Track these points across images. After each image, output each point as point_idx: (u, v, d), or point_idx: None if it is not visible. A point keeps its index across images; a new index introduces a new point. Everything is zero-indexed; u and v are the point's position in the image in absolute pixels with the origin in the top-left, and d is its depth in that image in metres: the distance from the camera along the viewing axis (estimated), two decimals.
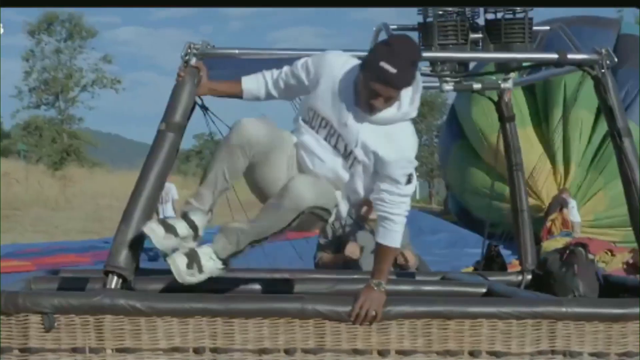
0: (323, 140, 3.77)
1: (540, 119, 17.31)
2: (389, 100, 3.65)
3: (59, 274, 4.86)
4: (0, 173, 30.64)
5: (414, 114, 3.77)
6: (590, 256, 5.21)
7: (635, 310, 3.81)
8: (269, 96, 3.99)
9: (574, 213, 17.01)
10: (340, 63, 3.80)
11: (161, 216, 19.18)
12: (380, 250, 3.76)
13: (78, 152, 47.36)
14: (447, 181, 22.95)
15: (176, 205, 18.77)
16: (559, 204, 17.14)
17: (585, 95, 15.78)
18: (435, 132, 51.17)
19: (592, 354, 3.81)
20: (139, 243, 3.78)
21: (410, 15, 4.78)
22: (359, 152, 3.71)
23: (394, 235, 3.73)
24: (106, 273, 3.72)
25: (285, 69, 3.93)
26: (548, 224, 16.78)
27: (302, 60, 3.88)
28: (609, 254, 15.72)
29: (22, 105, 48.25)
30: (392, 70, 3.54)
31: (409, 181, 3.71)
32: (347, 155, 3.73)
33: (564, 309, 3.79)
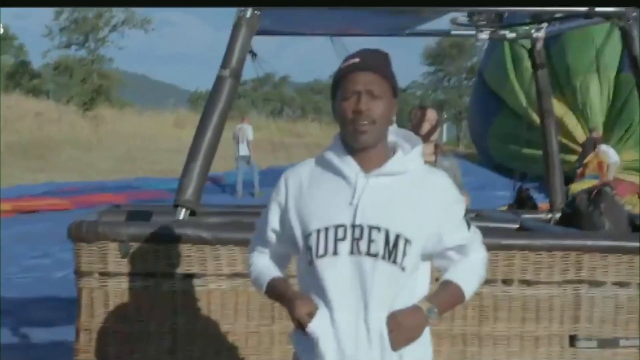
0: (349, 256, 2.75)
1: (562, 87, 17.45)
2: (375, 101, 2.79)
3: (120, 207, 5.27)
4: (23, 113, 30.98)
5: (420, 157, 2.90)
6: (618, 198, 5.56)
7: None
8: (284, 254, 3.05)
9: (610, 154, 17.21)
10: (298, 167, 2.95)
11: (238, 154, 20.40)
12: (452, 287, 2.90)
13: (108, 92, 47.70)
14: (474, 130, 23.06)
15: (251, 145, 19.94)
16: (592, 144, 17.36)
17: (608, 58, 15.85)
18: (465, 74, 51.15)
19: (615, 283, 4.18)
20: (203, 180, 4.16)
21: None
22: (401, 228, 2.75)
23: (467, 275, 2.93)
24: (175, 206, 4.12)
25: (262, 231, 3.01)
26: (581, 168, 17.03)
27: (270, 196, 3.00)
28: (638, 195, 16.01)
29: (52, 45, 48.54)
30: (356, 59, 2.83)
31: (469, 223, 2.93)
32: (391, 250, 2.75)
33: (589, 242, 4.16)
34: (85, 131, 33.93)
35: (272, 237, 2.97)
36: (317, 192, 2.85)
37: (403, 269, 2.75)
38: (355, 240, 2.76)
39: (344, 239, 2.76)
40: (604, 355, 4.18)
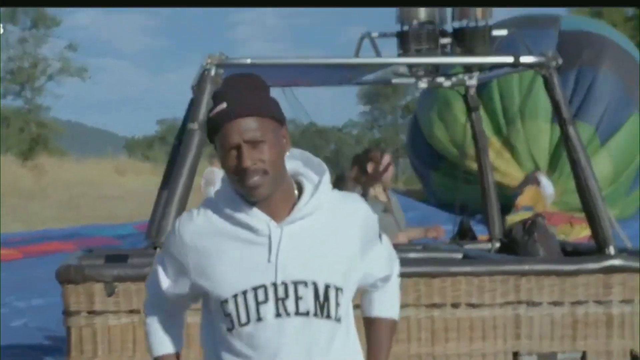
0: (276, 319, 2.45)
1: (501, 129, 17.99)
2: (259, 148, 2.41)
3: (93, 252, 5.65)
4: None
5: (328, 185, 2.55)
6: (550, 227, 6.11)
7: (584, 266, 4.70)
8: (183, 307, 2.70)
9: (546, 186, 17.83)
10: (191, 218, 2.54)
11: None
12: (381, 326, 2.71)
13: (46, 141, 47.70)
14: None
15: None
16: (532, 180, 17.99)
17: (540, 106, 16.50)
18: (400, 112, 52.12)
19: (550, 303, 4.69)
20: None
21: (389, 24, 5.63)
22: (329, 277, 2.46)
23: (393, 302, 2.75)
24: (154, 247, 4.54)
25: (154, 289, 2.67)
26: (518, 198, 17.64)
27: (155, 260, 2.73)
28: (570, 225, 16.70)
29: None
30: (222, 104, 2.43)
31: (380, 236, 2.67)
32: (322, 304, 2.46)
33: (526, 267, 4.68)
34: (26, 180, 33.91)
35: (166, 300, 2.62)
36: (225, 251, 2.46)
37: (338, 320, 2.49)
38: (280, 301, 2.43)
39: (266, 301, 2.43)
40: None
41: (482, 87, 11.65)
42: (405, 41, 5.29)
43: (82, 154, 45.40)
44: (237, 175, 2.42)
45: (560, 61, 5.00)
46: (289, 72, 5.56)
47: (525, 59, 5.01)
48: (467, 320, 4.65)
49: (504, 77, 8.99)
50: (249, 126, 2.41)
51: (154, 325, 2.68)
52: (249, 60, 5.02)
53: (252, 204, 2.47)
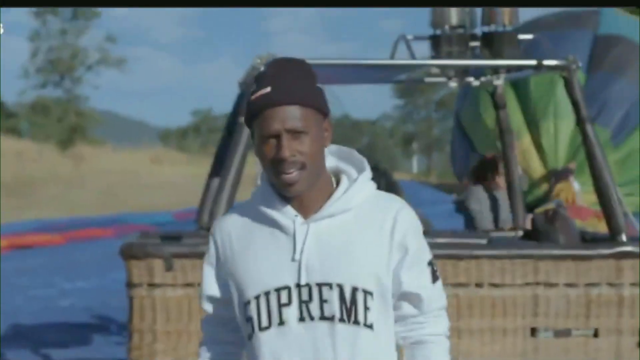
0: (299, 324, 2.32)
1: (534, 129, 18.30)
2: (300, 139, 2.30)
3: (149, 234, 6.17)
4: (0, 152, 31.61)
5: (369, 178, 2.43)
6: (569, 217, 6.57)
7: (597, 251, 5.15)
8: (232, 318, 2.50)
9: (574, 184, 18.23)
10: (224, 219, 2.49)
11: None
12: None
13: (84, 130, 48.58)
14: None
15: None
16: (565, 174, 18.34)
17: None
18: (434, 107, 52.44)
19: (565, 284, 5.15)
20: (229, 207, 5.10)
21: (422, 18, 6.10)
22: (357, 279, 2.31)
23: None
24: (208, 229, 5.04)
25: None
26: (555, 189, 17.98)
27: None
28: (597, 219, 17.03)
29: (28, 85, 49.48)
30: (267, 88, 2.30)
31: (434, 274, 2.42)
32: (349, 308, 2.31)
33: (544, 251, 5.14)
34: (66, 169, 34.72)
35: (211, 305, 2.50)
36: (250, 250, 2.37)
37: (370, 326, 2.30)
38: (304, 304, 2.30)
39: (289, 303, 2.30)
40: (559, 343, 5.13)
41: (517, 84, 12.06)
42: (437, 44, 5.75)
43: (119, 144, 46.26)
44: (273, 165, 2.30)
45: (580, 64, 5.44)
46: (328, 71, 6.04)
47: (547, 62, 5.46)
48: (490, 298, 5.12)
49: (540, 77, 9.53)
50: (292, 115, 2.29)
51: (205, 337, 2.56)
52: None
53: (284, 198, 2.36)
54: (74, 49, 48.96)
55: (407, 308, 2.39)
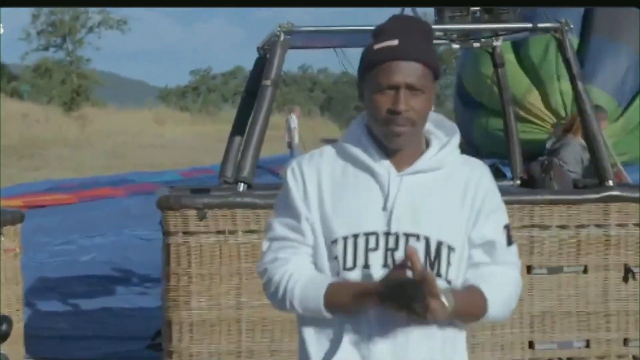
0: (383, 269, 2.38)
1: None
2: (416, 97, 2.37)
3: (179, 187, 6.68)
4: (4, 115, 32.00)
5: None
6: (563, 167, 7.12)
7: (587, 196, 5.69)
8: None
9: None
10: (313, 157, 2.53)
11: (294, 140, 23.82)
12: (475, 293, 2.45)
13: (87, 92, 48.86)
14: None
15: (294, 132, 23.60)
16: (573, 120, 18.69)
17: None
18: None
19: (558, 227, 5.69)
20: (255, 162, 5.61)
21: None
22: (442, 234, 2.41)
23: (500, 293, 2.49)
24: (236, 182, 5.58)
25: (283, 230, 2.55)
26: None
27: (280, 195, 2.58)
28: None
29: (30, 48, 49.71)
30: (393, 41, 2.37)
31: (509, 238, 2.56)
32: (433, 261, 2.40)
33: (538, 197, 5.69)
34: (71, 130, 35.09)
35: (307, 228, 2.46)
36: (343, 191, 2.43)
37: (448, 282, 2.40)
38: (390, 251, 2.37)
39: (376, 249, 2.38)
40: (552, 279, 5.69)
41: (519, 45, 12.51)
42: (440, 9, 6.25)
43: (122, 105, 46.51)
44: (386, 116, 2.36)
45: (571, 26, 5.94)
46: (340, 37, 6.54)
47: (542, 25, 5.96)
48: None
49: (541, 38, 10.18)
50: (415, 71, 2.35)
51: (295, 274, 2.47)
52: (312, 28, 5.99)
53: (379, 148, 2.43)
54: (75, 11, 49.10)
55: (479, 255, 2.48)
